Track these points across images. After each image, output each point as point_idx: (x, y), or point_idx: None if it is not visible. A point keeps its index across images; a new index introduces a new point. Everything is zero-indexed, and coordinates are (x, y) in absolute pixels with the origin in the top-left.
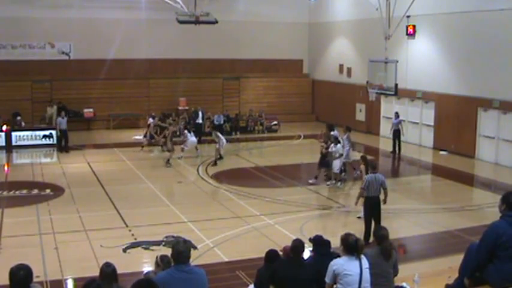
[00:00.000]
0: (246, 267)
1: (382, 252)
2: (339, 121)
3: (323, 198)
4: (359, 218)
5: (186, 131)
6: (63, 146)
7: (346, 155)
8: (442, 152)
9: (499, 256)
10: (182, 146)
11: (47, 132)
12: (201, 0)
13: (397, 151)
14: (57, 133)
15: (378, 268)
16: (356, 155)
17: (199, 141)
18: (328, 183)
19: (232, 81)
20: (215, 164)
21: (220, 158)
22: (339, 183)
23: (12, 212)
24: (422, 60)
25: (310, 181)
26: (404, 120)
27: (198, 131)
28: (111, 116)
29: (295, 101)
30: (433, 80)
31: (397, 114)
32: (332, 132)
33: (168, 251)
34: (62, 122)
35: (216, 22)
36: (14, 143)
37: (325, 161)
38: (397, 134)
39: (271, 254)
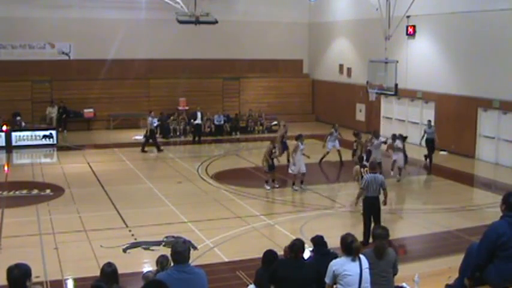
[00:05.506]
0: (246, 267)
1: (374, 251)
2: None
3: (323, 198)
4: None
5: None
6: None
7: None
8: (442, 152)
9: (499, 256)
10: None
11: (47, 132)
12: (201, 0)
13: (427, 161)
14: (147, 133)
15: (377, 268)
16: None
17: (198, 141)
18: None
19: (232, 82)
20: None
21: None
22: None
23: (12, 212)
24: (422, 60)
25: (268, 187)
26: (404, 120)
27: (197, 131)
28: (111, 116)
29: (295, 101)
30: (433, 80)
31: (430, 123)
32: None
33: (168, 251)
34: (154, 121)
35: (216, 22)
36: (14, 143)
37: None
38: (430, 143)
39: (269, 255)
